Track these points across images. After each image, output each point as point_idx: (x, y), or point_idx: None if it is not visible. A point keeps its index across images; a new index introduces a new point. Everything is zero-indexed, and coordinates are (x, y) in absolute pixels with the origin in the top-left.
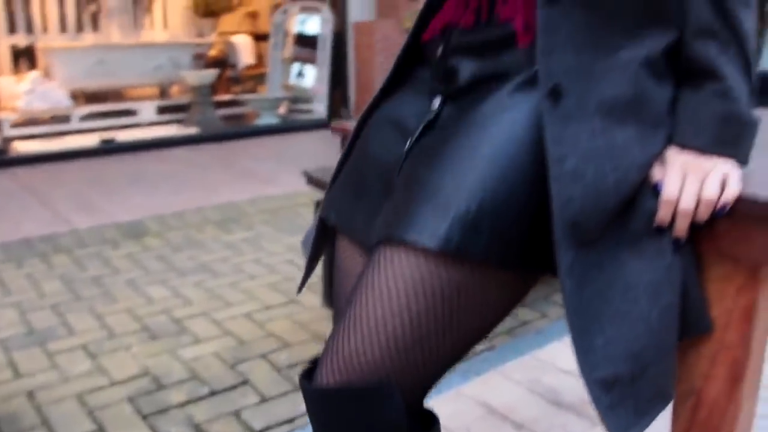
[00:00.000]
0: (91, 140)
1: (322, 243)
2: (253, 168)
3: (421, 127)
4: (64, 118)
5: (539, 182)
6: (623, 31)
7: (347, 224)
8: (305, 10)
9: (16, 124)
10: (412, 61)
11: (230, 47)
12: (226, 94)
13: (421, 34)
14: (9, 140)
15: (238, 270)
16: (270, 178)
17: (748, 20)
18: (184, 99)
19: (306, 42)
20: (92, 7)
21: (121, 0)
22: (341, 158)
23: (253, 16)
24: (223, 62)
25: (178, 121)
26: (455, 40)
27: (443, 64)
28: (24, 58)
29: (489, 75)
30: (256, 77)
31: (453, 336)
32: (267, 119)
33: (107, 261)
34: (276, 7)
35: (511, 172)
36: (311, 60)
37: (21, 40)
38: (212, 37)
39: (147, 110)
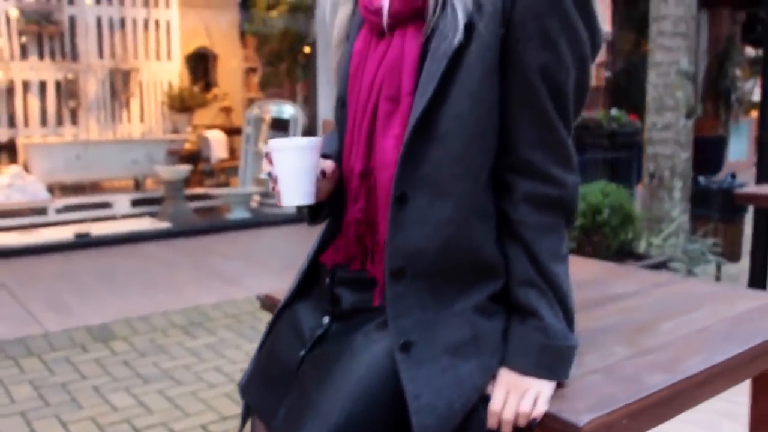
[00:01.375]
0: (66, 233)
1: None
2: (220, 267)
3: (313, 340)
4: (42, 211)
5: (399, 400)
6: (458, 287)
7: (260, 410)
8: (278, 105)
9: None
10: (314, 272)
11: (204, 141)
12: (200, 187)
13: (320, 254)
14: None
15: (199, 378)
16: (236, 279)
17: (561, 271)
18: (158, 192)
19: (280, 126)
20: (72, 102)
21: (100, 95)
22: (259, 347)
23: (226, 110)
24: (196, 156)
25: (152, 214)
26: (339, 275)
27: (330, 292)
28: (5, 152)
29: (363, 307)
30: (228, 170)
31: None
32: (238, 213)
33: (76, 366)
34: (250, 101)
35: (375, 392)
36: None
37: (3, 134)
38: (186, 133)
39: (122, 203)
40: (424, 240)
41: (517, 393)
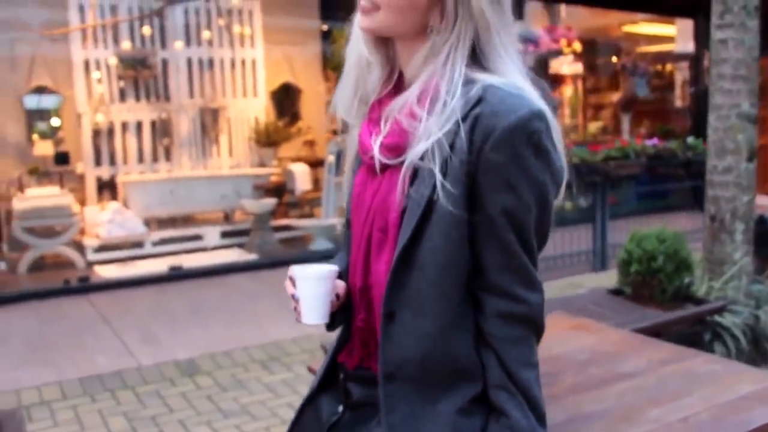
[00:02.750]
0: (161, 265)
1: None
2: None
3: (329, 425)
4: (139, 244)
5: None
6: (441, 389)
7: None
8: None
9: (97, 250)
10: (333, 369)
11: (289, 174)
12: (285, 218)
13: (338, 354)
14: (91, 264)
15: (273, 414)
16: None
17: (531, 377)
18: (246, 223)
19: None
20: (165, 140)
21: (191, 132)
22: (289, 427)
23: (310, 143)
24: (281, 188)
25: (240, 245)
26: (350, 372)
27: (343, 386)
28: (107, 188)
29: (369, 401)
30: (312, 201)
31: None
32: (321, 244)
33: (165, 399)
34: (333, 133)
35: None
36: None
37: (105, 172)
38: (272, 166)
39: (212, 235)
40: (409, 351)
41: None
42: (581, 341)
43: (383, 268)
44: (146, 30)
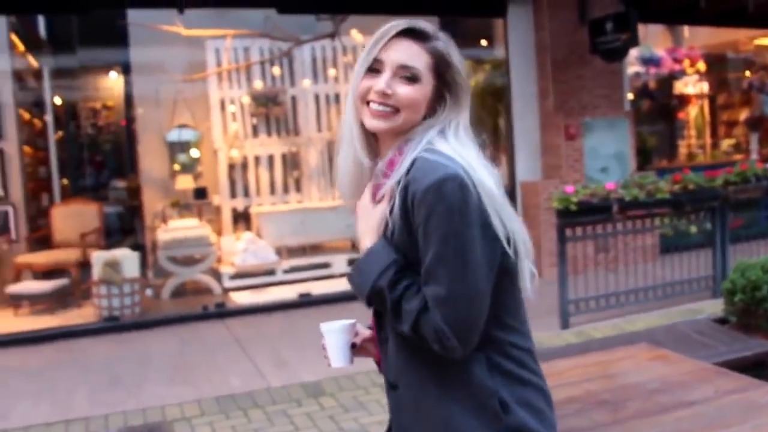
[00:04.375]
0: (291, 292)
1: None
2: None
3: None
4: (271, 272)
5: None
6: (436, 396)
7: None
8: None
9: (233, 277)
10: None
11: None
12: None
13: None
14: (227, 291)
15: None
16: None
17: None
18: None
19: None
20: (295, 173)
21: (319, 165)
22: None
23: None
24: None
25: None
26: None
27: None
28: (241, 219)
29: None
30: None
31: None
32: None
33: (291, 419)
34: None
35: None
36: None
37: (239, 203)
38: None
39: (339, 262)
40: None
41: None
42: (655, 371)
43: None
44: (276, 70)
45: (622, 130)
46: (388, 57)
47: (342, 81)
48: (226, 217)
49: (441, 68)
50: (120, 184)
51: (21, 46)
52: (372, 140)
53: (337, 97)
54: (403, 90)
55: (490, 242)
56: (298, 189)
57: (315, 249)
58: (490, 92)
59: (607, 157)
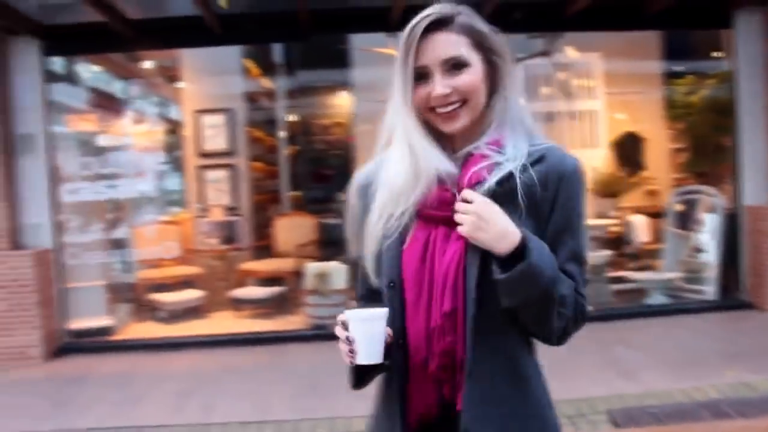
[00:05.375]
0: None
1: None
2: (620, 356)
3: None
4: None
5: None
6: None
7: None
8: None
9: None
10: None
11: (627, 225)
12: (621, 269)
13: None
14: None
15: None
16: (631, 372)
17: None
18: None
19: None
20: None
21: None
22: None
23: (652, 193)
24: (619, 239)
25: None
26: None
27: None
28: None
29: None
30: (652, 253)
31: None
32: (656, 299)
33: None
34: (677, 182)
35: None
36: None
37: None
38: (611, 218)
39: None
40: None
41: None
42: None
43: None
44: None
45: None
46: (428, 59)
47: (557, 98)
48: None
49: (477, 39)
50: (343, 197)
51: (255, 70)
52: (440, 142)
53: (551, 115)
54: (461, 80)
55: None
56: None
57: None
58: (715, 108)
59: None
